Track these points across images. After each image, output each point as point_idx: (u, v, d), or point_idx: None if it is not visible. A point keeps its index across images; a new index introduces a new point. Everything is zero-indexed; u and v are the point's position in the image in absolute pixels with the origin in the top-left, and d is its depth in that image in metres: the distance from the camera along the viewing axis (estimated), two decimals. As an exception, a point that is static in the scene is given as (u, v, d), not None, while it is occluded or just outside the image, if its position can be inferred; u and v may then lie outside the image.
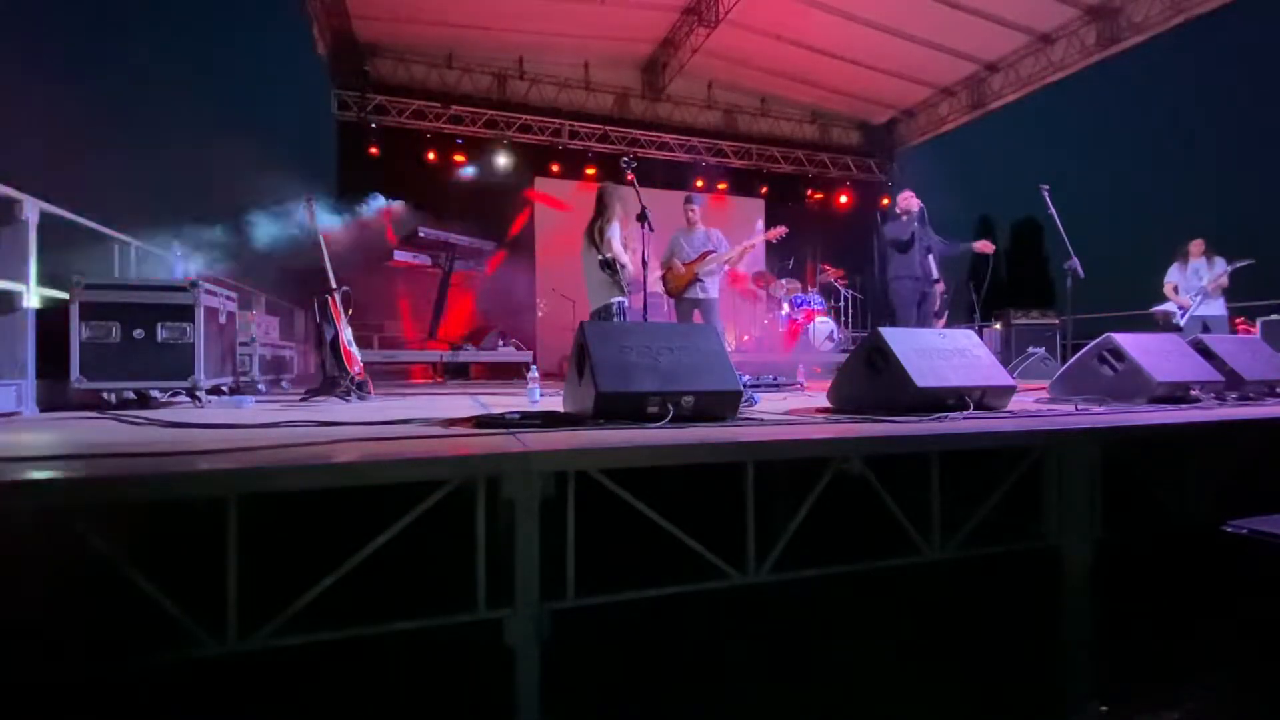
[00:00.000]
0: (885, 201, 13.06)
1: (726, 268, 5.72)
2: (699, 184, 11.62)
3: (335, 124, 10.01)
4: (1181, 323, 6.67)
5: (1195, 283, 6.68)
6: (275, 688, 1.65)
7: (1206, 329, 6.40)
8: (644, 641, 1.99)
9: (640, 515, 1.85)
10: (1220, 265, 6.63)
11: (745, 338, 10.06)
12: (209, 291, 3.81)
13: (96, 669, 1.45)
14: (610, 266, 4.59)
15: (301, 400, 3.98)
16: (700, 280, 5.32)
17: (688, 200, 5.56)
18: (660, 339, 2.58)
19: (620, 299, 4.70)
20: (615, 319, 4.60)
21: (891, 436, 2.13)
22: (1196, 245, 6.75)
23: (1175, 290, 6.83)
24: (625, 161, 4.68)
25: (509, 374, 7.88)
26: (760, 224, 11.12)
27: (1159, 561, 2.53)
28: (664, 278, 5.47)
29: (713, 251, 5.31)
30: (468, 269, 8.58)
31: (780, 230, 5.87)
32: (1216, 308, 6.67)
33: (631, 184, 4.58)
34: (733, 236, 5.59)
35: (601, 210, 4.70)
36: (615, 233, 4.63)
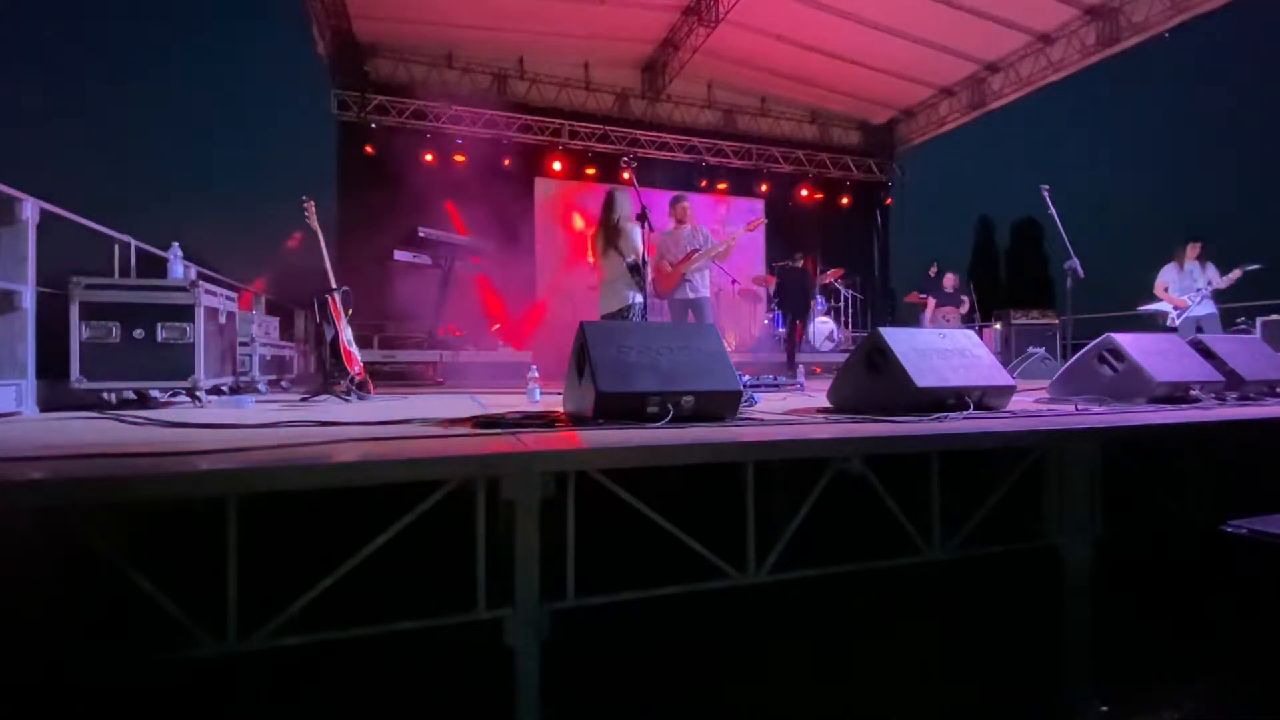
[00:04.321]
0: (889, 202, 13.08)
1: (716, 262, 5.76)
2: (702, 184, 11.62)
3: (335, 124, 10.00)
4: (1176, 323, 6.65)
5: (1190, 284, 6.67)
6: (275, 688, 1.65)
7: (1200, 329, 6.39)
8: (644, 641, 1.99)
9: (640, 515, 1.85)
10: (1212, 270, 6.62)
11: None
12: (209, 291, 3.81)
13: (97, 669, 1.45)
14: (638, 269, 4.57)
15: (301, 400, 3.98)
16: (688, 279, 5.33)
17: (673, 201, 5.58)
18: (660, 339, 2.58)
19: (638, 299, 4.64)
20: (634, 320, 4.57)
21: (891, 436, 2.13)
22: (1194, 248, 6.72)
23: (1166, 290, 6.82)
24: (625, 161, 4.68)
25: (509, 374, 7.88)
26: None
27: (1159, 561, 2.53)
28: (654, 280, 5.47)
29: (698, 250, 5.32)
30: (468, 269, 8.57)
31: (759, 221, 6.27)
32: (1208, 306, 6.66)
33: (630, 183, 4.58)
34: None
35: (610, 214, 4.68)
36: (637, 234, 4.62)
